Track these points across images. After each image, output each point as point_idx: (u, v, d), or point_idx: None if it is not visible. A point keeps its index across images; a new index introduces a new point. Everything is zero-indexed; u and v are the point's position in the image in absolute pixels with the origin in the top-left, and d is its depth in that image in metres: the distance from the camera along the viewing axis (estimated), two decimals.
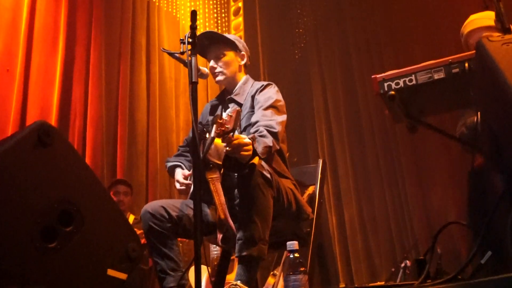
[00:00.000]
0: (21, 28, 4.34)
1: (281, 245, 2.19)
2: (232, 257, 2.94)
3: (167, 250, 2.34)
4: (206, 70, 2.42)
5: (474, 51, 1.63)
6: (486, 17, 2.53)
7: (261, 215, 2.11)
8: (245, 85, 2.73)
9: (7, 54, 4.24)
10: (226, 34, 2.84)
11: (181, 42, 2.13)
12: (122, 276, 1.79)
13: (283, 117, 2.52)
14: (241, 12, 6.71)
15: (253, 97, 2.64)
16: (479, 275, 1.31)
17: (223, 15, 6.78)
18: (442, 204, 4.97)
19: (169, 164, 2.76)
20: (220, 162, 2.26)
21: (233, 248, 2.17)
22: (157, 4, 5.96)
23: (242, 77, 2.77)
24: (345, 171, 6.13)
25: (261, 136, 2.31)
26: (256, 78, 3.02)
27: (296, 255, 1.91)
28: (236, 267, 2.16)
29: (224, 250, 2.78)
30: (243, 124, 2.54)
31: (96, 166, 4.58)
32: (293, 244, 1.93)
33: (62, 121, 4.54)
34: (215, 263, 4.15)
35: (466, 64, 1.75)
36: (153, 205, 2.42)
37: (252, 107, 2.61)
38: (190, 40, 2.11)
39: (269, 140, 2.30)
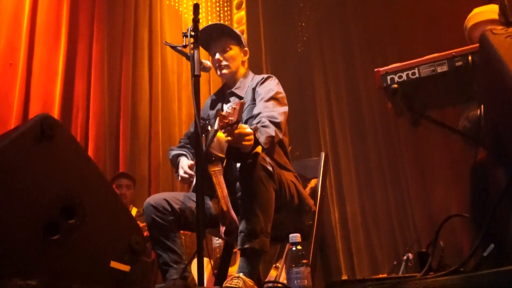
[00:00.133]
0: (23, 22, 4.34)
1: (284, 238, 2.19)
2: (234, 250, 2.95)
3: (169, 242, 2.34)
4: (208, 63, 2.41)
5: (477, 45, 1.63)
6: (490, 11, 2.52)
7: (263, 208, 2.12)
8: (246, 79, 2.74)
9: (9, 48, 4.23)
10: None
11: (183, 36, 2.13)
12: (125, 268, 1.80)
13: (285, 109, 2.52)
14: (244, 5, 6.69)
15: (254, 89, 2.64)
16: (481, 267, 1.31)
17: (225, 8, 6.76)
18: (444, 198, 4.97)
19: (173, 152, 2.75)
20: (222, 155, 2.26)
21: (235, 241, 2.17)
22: None
23: (243, 72, 2.77)
24: (347, 165, 6.13)
25: (263, 126, 2.31)
26: (259, 71, 3.03)
27: (299, 247, 1.92)
28: (238, 260, 2.17)
29: (227, 242, 2.78)
30: (245, 117, 2.54)
31: (98, 159, 4.58)
32: (295, 237, 1.94)
33: (65, 115, 4.54)
34: (217, 255, 4.17)
35: (470, 58, 1.74)
36: (155, 198, 2.42)
37: (253, 99, 2.61)
38: (193, 33, 2.11)
39: (271, 130, 2.31)
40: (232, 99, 2.69)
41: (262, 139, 2.22)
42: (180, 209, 2.40)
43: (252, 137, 2.11)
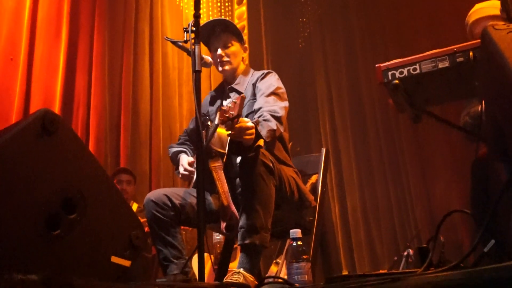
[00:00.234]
0: (24, 16, 4.33)
1: (284, 234, 2.20)
2: (235, 246, 2.95)
3: (170, 238, 2.35)
4: (209, 59, 2.41)
5: (479, 40, 1.62)
6: (492, 6, 2.52)
7: (263, 203, 2.12)
8: (245, 75, 2.74)
9: (10, 42, 4.23)
10: None
11: (184, 31, 2.13)
12: (126, 263, 1.80)
13: (285, 103, 2.53)
14: (245, 1, 6.68)
15: (254, 85, 2.65)
16: (482, 263, 1.32)
17: (226, 3, 6.75)
18: (445, 193, 4.98)
19: (173, 149, 2.76)
20: (223, 151, 2.26)
21: (236, 236, 2.18)
22: None
23: (243, 68, 2.77)
24: (348, 160, 6.13)
25: (265, 120, 2.32)
26: (260, 67, 3.03)
27: (299, 243, 1.92)
28: (239, 256, 2.17)
29: (227, 238, 2.79)
30: (245, 112, 2.54)
31: (99, 155, 4.59)
32: (296, 232, 1.94)
33: (66, 110, 4.54)
34: (218, 251, 4.17)
35: (471, 53, 1.74)
36: (156, 194, 2.43)
37: (254, 95, 2.62)
38: (194, 28, 2.11)
39: (273, 124, 2.31)
40: (232, 94, 2.69)
41: (263, 132, 2.22)
42: (181, 205, 2.41)
43: (253, 131, 2.11)
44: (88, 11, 4.96)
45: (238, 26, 3.21)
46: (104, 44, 5.02)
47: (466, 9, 2.72)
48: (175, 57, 5.86)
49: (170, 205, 2.38)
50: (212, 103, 2.80)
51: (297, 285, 1.80)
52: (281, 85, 2.62)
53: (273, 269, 4.13)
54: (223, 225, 2.21)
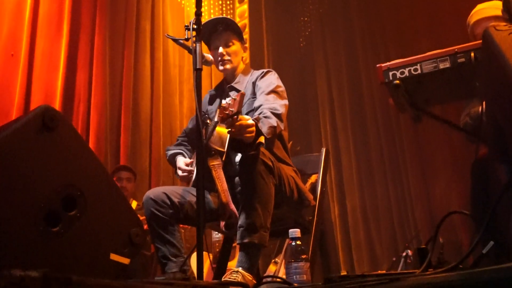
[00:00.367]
0: (25, 12, 4.33)
1: (283, 233, 2.19)
2: (234, 244, 2.95)
3: (168, 236, 2.35)
4: (210, 57, 2.41)
5: (480, 41, 1.62)
6: (493, 7, 2.51)
7: (262, 202, 2.12)
8: (245, 74, 2.74)
9: (11, 38, 4.22)
10: None
11: (185, 29, 2.12)
12: (125, 260, 1.80)
13: (285, 101, 2.54)
14: None
15: (253, 83, 2.65)
16: (480, 264, 1.32)
17: (228, 1, 6.74)
18: (444, 194, 4.98)
19: (170, 152, 2.78)
20: (222, 149, 2.26)
21: (235, 235, 2.18)
22: None
23: (243, 67, 2.77)
24: (348, 160, 6.13)
25: (265, 117, 2.33)
26: (261, 65, 3.03)
27: (298, 242, 1.92)
28: (237, 254, 2.17)
29: (226, 237, 2.79)
30: (245, 110, 2.54)
31: (99, 152, 4.58)
32: (295, 232, 1.94)
33: (66, 106, 4.53)
34: (217, 249, 4.18)
35: (472, 54, 1.74)
36: (155, 192, 2.43)
37: (254, 93, 2.62)
38: (195, 26, 2.11)
39: (273, 121, 2.32)
40: (232, 93, 2.69)
41: (264, 129, 2.22)
42: (180, 203, 2.41)
43: (254, 128, 2.10)
44: (89, 8, 4.95)
45: (239, 24, 3.21)
46: (105, 41, 5.01)
47: (467, 9, 2.72)
48: (176, 54, 5.85)
49: (169, 203, 2.38)
50: (211, 102, 2.80)
51: (295, 284, 1.80)
52: (281, 84, 2.62)
53: (271, 269, 4.13)
54: (222, 223, 2.21)
